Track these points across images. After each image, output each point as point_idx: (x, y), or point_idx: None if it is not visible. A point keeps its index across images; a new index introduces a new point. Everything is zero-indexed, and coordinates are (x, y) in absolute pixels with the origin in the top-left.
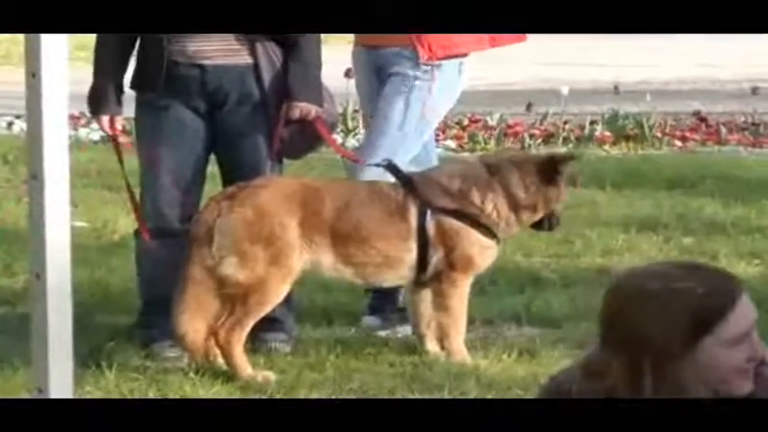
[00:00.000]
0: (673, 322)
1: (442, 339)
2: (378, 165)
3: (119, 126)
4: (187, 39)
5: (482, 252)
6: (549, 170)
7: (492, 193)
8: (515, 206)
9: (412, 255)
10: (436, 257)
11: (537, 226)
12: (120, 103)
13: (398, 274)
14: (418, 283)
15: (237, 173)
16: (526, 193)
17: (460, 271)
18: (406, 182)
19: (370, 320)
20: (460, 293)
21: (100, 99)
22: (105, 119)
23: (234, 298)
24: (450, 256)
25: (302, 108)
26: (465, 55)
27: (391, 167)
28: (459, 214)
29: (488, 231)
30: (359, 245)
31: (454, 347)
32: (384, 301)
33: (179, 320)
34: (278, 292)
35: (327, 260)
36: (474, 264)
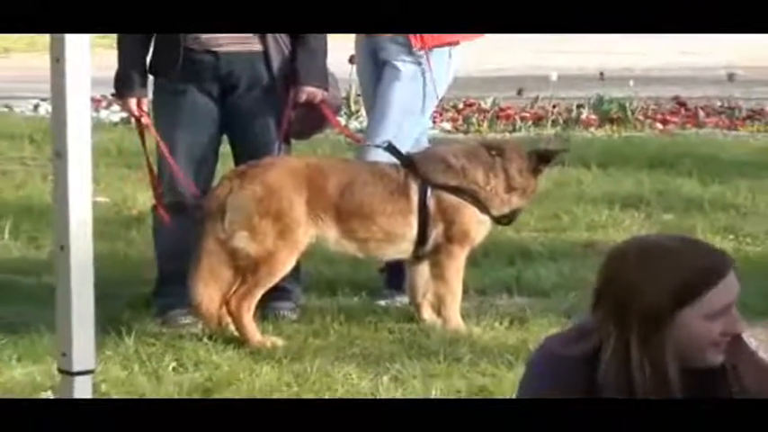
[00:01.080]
0: (662, 289)
1: (438, 308)
2: (378, 146)
3: (145, 108)
4: None
5: (478, 226)
6: (541, 161)
7: (493, 172)
8: (510, 188)
9: (412, 230)
10: (435, 232)
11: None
12: (145, 85)
13: (399, 249)
14: (417, 256)
15: (248, 152)
16: (521, 177)
17: (458, 244)
18: (407, 162)
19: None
20: (457, 265)
21: (126, 83)
22: (133, 101)
23: (245, 269)
24: (449, 230)
25: (309, 92)
26: (456, 43)
27: (391, 148)
28: (459, 190)
29: (484, 207)
30: (362, 221)
31: (450, 316)
32: (399, 277)
33: (194, 290)
34: (285, 264)
35: (332, 235)
36: (470, 237)
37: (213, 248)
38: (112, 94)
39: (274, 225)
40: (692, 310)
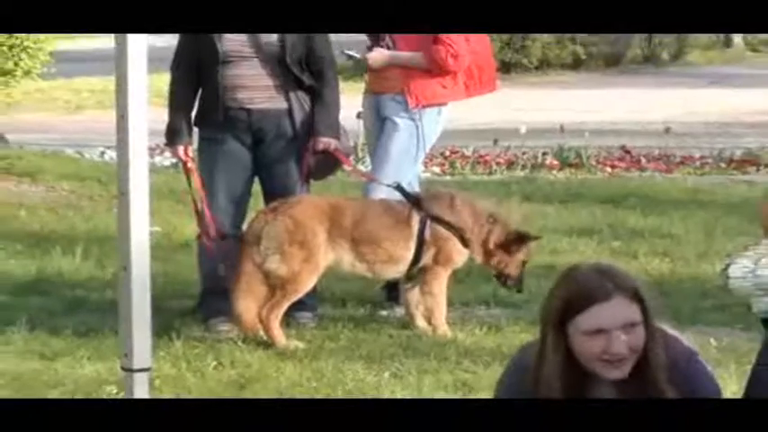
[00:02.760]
0: (554, 303)
1: (428, 318)
2: (389, 185)
3: (190, 154)
4: (237, 90)
5: (459, 254)
6: (517, 240)
7: (479, 227)
8: (483, 246)
9: (410, 254)
10: (427, 255)
11: (501, 282)
12: (190, 135)
13: (398, 269)
14: (409, 276)
15: (276, 191)
16: (491, 246)
17: (442, 266)
18: (414, 199)
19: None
20: (442, 282)
21: (175, 133)
22: (180, 148)
23: (275, 286)
24: (438, 254)
25: (324, 142)
26: (445, 103)
27: (400, 188)
28: (450, 225)
29: (466, 244)
30: (371, 247)
31: (438, 324)
32: (397, 293)
33: (235, 303)
34: (308, 283)
35: (347, 259)
36: (453, 261)
37: (250, 269)
38: (164, 143)
39: (300, 251)
40: (574, 324)
